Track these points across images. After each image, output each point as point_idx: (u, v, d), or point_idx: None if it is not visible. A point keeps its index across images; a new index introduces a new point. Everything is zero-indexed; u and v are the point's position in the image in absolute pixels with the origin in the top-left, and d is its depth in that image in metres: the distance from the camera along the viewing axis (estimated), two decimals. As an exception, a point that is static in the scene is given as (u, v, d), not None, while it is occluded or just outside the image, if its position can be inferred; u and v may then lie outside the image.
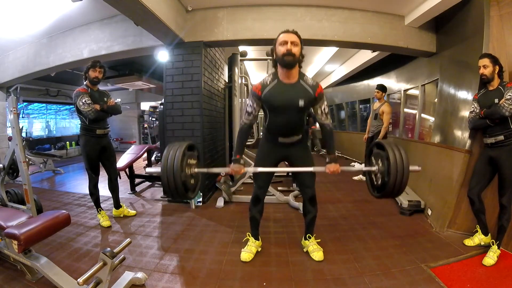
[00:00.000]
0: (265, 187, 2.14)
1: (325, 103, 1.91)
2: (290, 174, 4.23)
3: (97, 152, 2.74)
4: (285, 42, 1.72)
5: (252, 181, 2.90)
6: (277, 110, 1.86)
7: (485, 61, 2.08)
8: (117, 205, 3.01)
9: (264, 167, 1.98)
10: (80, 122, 2.71)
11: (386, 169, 1.81)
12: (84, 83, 2.69)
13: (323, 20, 3.28)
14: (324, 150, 8.26)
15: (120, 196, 3.06)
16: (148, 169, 2.09)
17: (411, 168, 1.79)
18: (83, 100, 2.54)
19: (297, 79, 1.83)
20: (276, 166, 2.11)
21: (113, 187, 2.96)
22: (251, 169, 2.00)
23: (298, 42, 1.75)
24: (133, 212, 3.09)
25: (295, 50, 1.72)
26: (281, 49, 1.73)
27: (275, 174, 2.40)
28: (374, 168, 1.93)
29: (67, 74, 5.35)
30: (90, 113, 2.56)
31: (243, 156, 2.19)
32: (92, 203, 2.94)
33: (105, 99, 2.75)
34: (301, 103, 1.80)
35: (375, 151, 1.99)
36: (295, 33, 1.76)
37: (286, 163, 2.17)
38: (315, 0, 3.19)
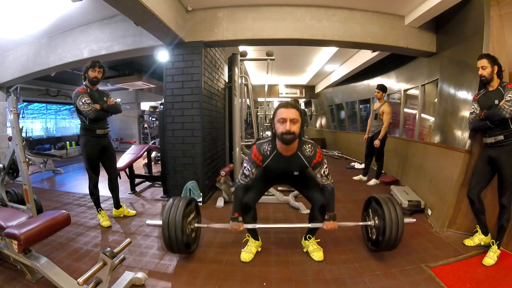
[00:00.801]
0: (257, 196, 2.12)
1: (325, 166, 1.92)
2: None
3: (97, 152, 2.74)
4: (284, 120, 1.70)
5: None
6: (276, 175, 2.06)
7: (483, 62, 2.07)
8: (117, 205, 3.01)
9: (258, 186, 2.11)
10: (80, 122, 2.71)
11: (381, 228, 1.97)
12: (84, 83, 2.69)
13: (323, 20, 3.28)
14: (325, 151, 8.27)
15: (120, 196, 3.06)
16: (149, 222, 2.16)
17: (406, 220, 1.98)
18: (83, 100, 2.55)
19: (295, 151, 1.86)
20: (270, 186, 2.29)
21: (113, 187, 2.96)
22: (250, 226, 2.07)
23: (298, 118, 1.72)
24: (133, 212, 3.09)
25: (294, 128, 1.71)
26: (280, 127, 1.72)
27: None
28: (370, 223, 2.11)
29: (67, 74, 5.35)
30: (90, 113, 2.56)
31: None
32: (92, 203, 2.94)
33: (105, 98, 2.75)
34: (296, 173, 1.95)
35: (373, 205, 2.13)
36: (295, 107, 1.73)
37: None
38: (315, 0, 3.19)
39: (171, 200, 2.08)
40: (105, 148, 2.81)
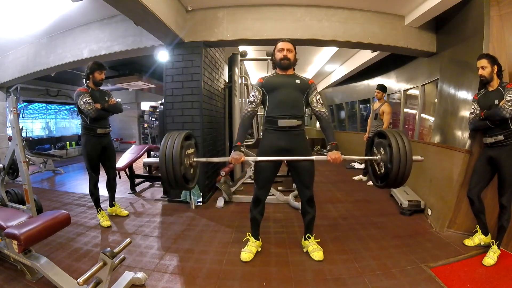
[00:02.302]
0: (266, 188, 2.13)
1: (318, 94, 2.10)
2: (290, 174, 4.23)
3: (98, 151, 2.75)
4: (282, 49, 2.05)
5: (252, 181, 2.90)
6: (277, 89, 2.05)
7: (483, 62, 2.08)
8: (111, 203, 3.03)
9: (266, 170, 2.05)
10: (81, 122, 2.73)
11: (388, 157, 1.83)
12: (86, 83, 2.72)
13: (323, 20, 3.28)
14: (325, 150, 8.27)
15: (120, 196, 3.07)
16: (146, 160, 2.10)
17: (414, 157, 1.81)
18: (84, 100, 2.57)
19: (293, 74, 2.13)
20: (279, 167, 2.15)
21: (111, 187, 3.00)
22: (251, 158, 2.04)
23: (292, 49, 2.08)
24: (125, 212, 3.08)
25: (290, 55, 2.06)
26: (279, 55, 2.07)
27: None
28: (377, 157, 1.97)
29: (67, 74, 5.36)
30: (90, 112, 2.58)
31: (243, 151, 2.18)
32: (92, 203, 2.94)
33: (106, 98, 2.78)
34: (298, 81, 2.06)
35: (377, 140, 2.01)
36: (290, 41, 2.09)
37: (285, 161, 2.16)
38: (315, 0, 3.19)
39: (168, 133, 1.94)
40: (106, 147, 2.82)
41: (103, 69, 2.71)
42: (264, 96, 2.07)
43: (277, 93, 2.04)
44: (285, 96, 2.02)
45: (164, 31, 2.95)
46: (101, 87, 2.85)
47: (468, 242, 2.28)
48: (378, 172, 2.00)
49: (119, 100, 3.01)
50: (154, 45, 3.39)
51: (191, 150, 2.02)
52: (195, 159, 2.05)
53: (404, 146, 1.79)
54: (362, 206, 3.34)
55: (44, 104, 8.09)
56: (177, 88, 3.41)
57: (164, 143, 1.86)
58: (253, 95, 2.07)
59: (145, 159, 2.10)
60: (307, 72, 7.88)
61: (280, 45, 2.08)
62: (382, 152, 1.91)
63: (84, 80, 2.76)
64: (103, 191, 2.98)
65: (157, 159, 1.91)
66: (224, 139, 4.58)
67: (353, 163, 6.08)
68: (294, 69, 2.14)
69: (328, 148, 2.01)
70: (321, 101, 2.09)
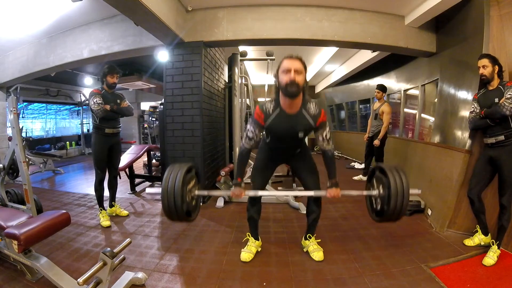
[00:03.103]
0: (262, 187, 2.13)
1: (327, 129, 1.88)
2: (290, 174, 4.23)
3: (105, 150, 2.85)
4: (289, 70, 1.65)
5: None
6: (278, 137, 1.91)
7: (484, 62, 2.08)
8: (111, 203, 3.05)
9: (263, 172, 2.08)
10: (92, 121, 2.87)
11: (386, 198, 1.86)
12: (101, 86, 2.86)
13: (323, 20, 3.28)
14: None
15: (120, 196, 3.07)
16: (149, 190, 2.12)
17: (411, 191, 1.85)
18: (95, 100, 2.71)
19: (299, 108, 1.79)
20: (275, 169, 2.18)
21: (112, 185, 3.03)
22: (251, 193, 2.02)
23: (302, 69, 1.68)
24: (125, 212, 3.10)
25: (299, 79, 1.65)
26: (284, 78, 1.66)
27: (275, 174, 2.44)
28: (375, 193, 1.99)
29: (67, 74, 5.36)
30: (98, 112, 2.71)
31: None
32: (92, 203, 2.96)
33: (118, 101, 2.90)
34: (301, 134, 1.83)
35: (377, 174, 2.03)
36: (300, 59, 1.69)
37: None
38: (315, 0, 3.19)
39: (170, 166, 1.93)
40: (113, 146, 2.91)
41: (115, 73, 2.82)
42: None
43: (279, 141, 1.92)
44: (287, 144, 1.95)
45: (164, 31, 2.95)
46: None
47: (468, 242, 2.28)
48: (375, 206, 2.05)
49: (130, 104, 3.08)
50: (154, 45, 3.39)
51: (192, 183, 2.02)
52: (196, 192, 2.04)
53: (402, 186, 1.82)
54: (362, 206, 3.31)
55: (44, 104, 8.08)
56: (177, 88, 3.40)
57: (166, 180, 1.83)
58: (252, 132, 1.86)
59: (148, 189, 2.09)
60: (307, 72, 7.87)
61: (286, 64, 1.68)
62: (381, 190, 1.94)
63: (100, 83, 2.90)
64: (106, 191, 2.99)
65: (158, 190, 1.93)
66: (224, 139, 4.58)
67: (352, 163, 6.08)
68: (303, 93, 1.77)
69: (328, 185, 1.97)
70: (328, 137, 1.88)
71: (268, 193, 2.02)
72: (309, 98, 1.83)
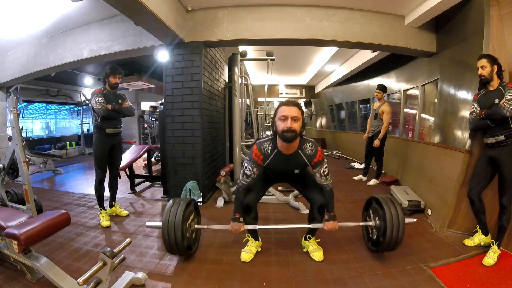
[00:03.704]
0: (257, 196, 2.12)
1: (325, 166, 1.91)
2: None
3: (106, 150, 2.85)
4: (286, 118, 1.71)
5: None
6: (277, 174, 2.07)
7: (483, 62, 2.08)
8: (111, 203, 3.05)
9: (259, 189, 2.11)
10: (93, 121, 2.88)
11: (382, 231, 1.97)
12: (103, 86, 2.88)
13: (323, 20, 3.28)
14: (325, 150, 8.27)
15: (120, 196, 3.07)
16: (149, 223, 2.16)
17: (407, 221, 1.98)
18: (96, 99, 2.71)
19: (296, 149, 1.85)
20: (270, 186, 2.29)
21: (112, 185, 3.03)
22: (250, 227, 2.07)
23: (299, 116, 1.73)
24: (125, 212, 3.10)
25: (296, 126, 1.71)
26: (281, 125, 1.73)
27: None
28: (371, 223, 2.11)
29: (67, 74, 5.36)
30: (99, 111, 2.71)
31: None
32: (92, 203, 2.95)
33: (120, 101, 2.91)
34: (297, 171, 1.94)
35: (374, 205, 2.12)
36: (297, 105, 1.75)
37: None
38: (315, 0, 3.19)
39: (170, 202, 2.05)
40: (114, 146, 2.92)
41: (117, 73, 2.84)
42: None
43: (277, 173, 2.02)
44: (285, 174, 2.01)
45: (164, 31, 2.95)
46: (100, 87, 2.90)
47: (468, 242, 2.28)
48: (371, 236, 2.15)
49: (131, 104, 3.09)
50: (154, 45, 3.39)
51: (191, 217, 2.11)
52: (196, 226, 2.16)
53: (398, 220, 1.93)
54: (362, 206, 3.33)
55: (44, 104, 8.08)
56: (177, 88, 3.41)
57: (166, 217, 1.94)
58: (250, 170, 1.90)
59: (148, 222, 2.14)
60: (307, 72, 7.88)
61: (282, 110, 1.73)
62: (377, 221, 2.05)
63: (102, 83, 2.92)
64: (107, 191, 2.99)
65: (160, 223, 2.02)
66: (224, 139, 4.58)
67: (352, 163, 6.08)
68: (300, 136, 1.81)
69: (325, 218, 2.03)
70: (326, 173, 1.92)
71: (266, 227, 2.25)
72: (306, 139, 1.88)
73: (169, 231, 1.90)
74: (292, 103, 1.75)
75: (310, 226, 2.07)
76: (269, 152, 1.87)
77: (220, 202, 3.40)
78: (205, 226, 2.24)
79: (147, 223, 2.19)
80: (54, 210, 1.94)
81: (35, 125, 8.03)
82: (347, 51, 5.24)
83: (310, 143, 1.86)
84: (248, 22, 3.30)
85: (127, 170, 4.00)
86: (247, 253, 2.10)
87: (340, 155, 7.61)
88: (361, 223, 2.20)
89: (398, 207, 1.98)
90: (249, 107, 5.14)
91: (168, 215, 1.94)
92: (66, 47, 3.86)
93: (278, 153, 1.86)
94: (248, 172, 1.91)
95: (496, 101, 2.03)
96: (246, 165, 1.92)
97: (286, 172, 1.98)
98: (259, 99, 10.46)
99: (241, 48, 4.16)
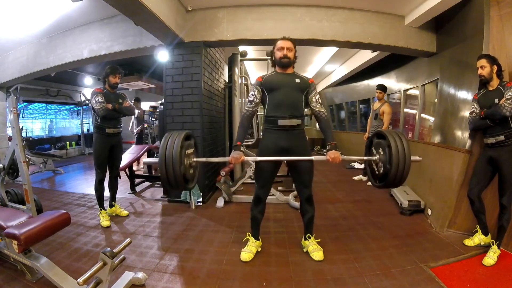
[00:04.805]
0: (267, 187, 2.14)
1: (318, 94, 2.10)
2: (290, 174, 4.23)
3: (106, 150, 2.85)
4: (282, 48, 2.03)
5: (252, 181, 2.90)
6: (276, 88, 2.05)
7: (483, 62, 2.08)
8: (111, 203, 3.05)
9: (267, 171, 2.06)
10: (93, 121, 2.88)
11: (387, 158, 1.85)
12: (103, 85, 2.88)
13: (323, 20, 3.28)
14: (325, 150, 8.27)
15: (120, 196, 3.07)
16: (146, 160, 2.12)
17: (412, 158, 1.83)
18: (96, 99, 2.71)
19: (292, 72, 2.12)
20: (278, 167, 2.16)
21: (112, 185, 3.03)
22: (251, 158, 2.05)
23: (292, 47, 2.06)
24: (125, 212, 3.10)
25: (290, 54, 2.04)
26: (278, 54, 2.05)
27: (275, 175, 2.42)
28: (376, 158, 1.99)
29: (67, 74, 5.36)
30: (100, 111, 2.71)
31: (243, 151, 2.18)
32: (92, 203, 2.95)
33: (120, 100, 2.91)
34: (297, 80, 2.05)
35: (376, 141, 2.02)
36: (290, 40, 2.07)
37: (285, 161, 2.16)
38: (315, 0, 3.19)
39: (168, 133, 1.94)
40: (114, 146, 2.91)
41: (117, 73, 2.85)
42: (263, 95, 2.06)
43: (277, 92, 2.03)
44: (284, 95, 2.01)
45: (164, 31, 2.95)
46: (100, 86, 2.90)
47: (468, 242, 2.28)
48: (377, 172, 2.01)
49: (131, 104, 3.09)
50: (154, 45, 3.39)
51: (190, 150, 2.02)
52: (194, 159, 2.05)
53: (403, 147, 1.81)
54: (362, 206, 3.34)
55: (44, 104, 8.09)
56: (177, 88, 3.41)
57: (164, 143, 1.86)
58: (252, 95, 2.06)
59: (145, 159, 2.13)
60: (307, 72, 7.87)
61: (279, 43, 2.06)
62: (381, 153, 1.93)
63: (102, 83, 2.92)
64: (107, 191, 2.99)
65: (155, 160, 1.92)
66: (224, 139, 4.58)
67: (353, 163, 6.08)
68: (293, 68, 2.12)
69: (327, 148, 2.01)
70: (320, 101, 2.09)
71: (268, 158, 1.99)
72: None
73: (166, 158, 1.78)
74: (287, 38, 2.07)
75: (313, 158, 1.97)
76: (268, 74, 2.14)
77: (220, 202, 3.40)
78: (204, 159, 2.18)
79: (144, 160, 2.12)
80: (54, 210, 1.94)
81: (35, 125, 8.03)
82: (347, 51, 5.24)
83: (302, 74, 2.13)
84: (248, 22, 3.30)
85: (127, 170, 4.00)
86: (247, 253, 2.10)
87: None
88: (365, 158, 2.09)
89: (402, 137, 1.86)
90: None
91: (166, 142, 1.83)
92: (66, 47, 3.86)
93: (277, 73, 2.11)
94: (251, 98, 2.07)
95: (496, 100, 2.03)
96: (250, 92, 2.10)
97: (288, 89, 2.02)
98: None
99: (241, 48, 4.16)
